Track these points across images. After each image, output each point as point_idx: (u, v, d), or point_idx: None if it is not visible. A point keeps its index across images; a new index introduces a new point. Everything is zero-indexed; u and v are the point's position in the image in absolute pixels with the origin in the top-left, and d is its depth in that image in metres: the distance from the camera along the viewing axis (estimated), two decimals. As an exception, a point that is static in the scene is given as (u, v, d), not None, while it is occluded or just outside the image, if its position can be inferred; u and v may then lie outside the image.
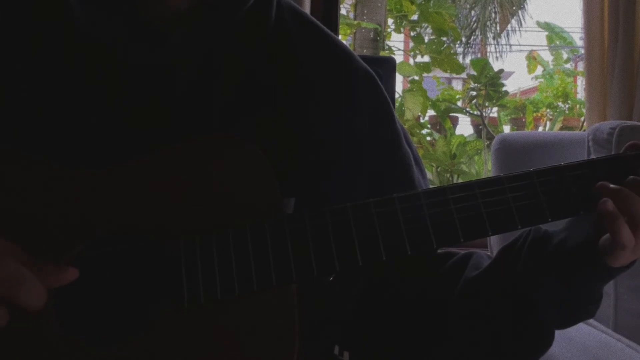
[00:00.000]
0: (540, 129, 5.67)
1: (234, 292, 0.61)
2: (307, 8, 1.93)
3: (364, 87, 0.81)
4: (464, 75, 6.05)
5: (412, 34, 5.62)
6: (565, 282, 0.67)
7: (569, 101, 5.80)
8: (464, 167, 4.94)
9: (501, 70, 5.34)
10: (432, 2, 5.31)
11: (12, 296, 0.55)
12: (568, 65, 6.69)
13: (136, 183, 0.65)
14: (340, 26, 2.68)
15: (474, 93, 5.20)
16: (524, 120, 5.59)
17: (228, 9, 0.72)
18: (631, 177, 0.65)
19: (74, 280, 0.59)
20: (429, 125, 5.58)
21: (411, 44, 5.61)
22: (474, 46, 7.79)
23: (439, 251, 0.81)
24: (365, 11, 5.13)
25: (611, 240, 0.63)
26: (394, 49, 5.77)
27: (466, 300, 0.74)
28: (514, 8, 7.76)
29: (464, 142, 5.05)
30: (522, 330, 0.70)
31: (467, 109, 5.40)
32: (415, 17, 5.45)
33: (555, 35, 6.68)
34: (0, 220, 0.61)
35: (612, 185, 0.64)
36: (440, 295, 0.76)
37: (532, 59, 6.62)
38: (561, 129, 5.33)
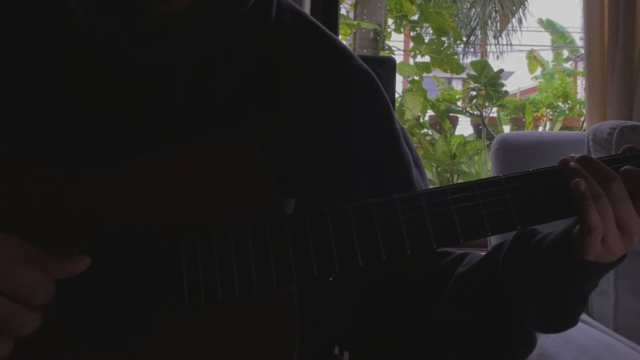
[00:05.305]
0: (540, 129, 5.68)
1: (234, 292, 0.61)
2: (307, 8, 1.93)
3: (364, 88, 0.81)
4: (464, 75, 6.06)
5: (412, 34, 5.62)
6: (544, 276, 0.67)
7: (569, 101, 5.81)
8: (464, 167, 4.95)
9: (501, 70, 5.35)
10: (432, 2, 5.31)
11: (29, 301, 0.56)
12: (568, 65, 6.70)
13: (136, 183, 0.65)
14: (340, 26, 2.68)
15: (474, 93, 5.21)
16: (524, 120, 5.60)
17: (228, 9, 0.72)
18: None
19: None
20: (429, 125, 5.59)
21: (411, 44, 5.61)
22: (474, 46, 7.80)
23: (437, 251, 0.81)
24: (365, 11, 5.14)
25: (579, 224, 0.62)
26: (394, 49, 5.77)
27: (453, 296, 0.74)
28: (514, 8, 7.76)
29: (464, 142, 5.06)
30: (502, 328, 0.70)
31: (467, 109, 5.41)
32: (415, 17, 5.45)
33: (557, 35, 6.69)
34: (0, 220, 0.61)
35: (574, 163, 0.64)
36: (435, 294, 0.76)
37: (533, 58, 6.64)
38: (561, 129, 5.35)
